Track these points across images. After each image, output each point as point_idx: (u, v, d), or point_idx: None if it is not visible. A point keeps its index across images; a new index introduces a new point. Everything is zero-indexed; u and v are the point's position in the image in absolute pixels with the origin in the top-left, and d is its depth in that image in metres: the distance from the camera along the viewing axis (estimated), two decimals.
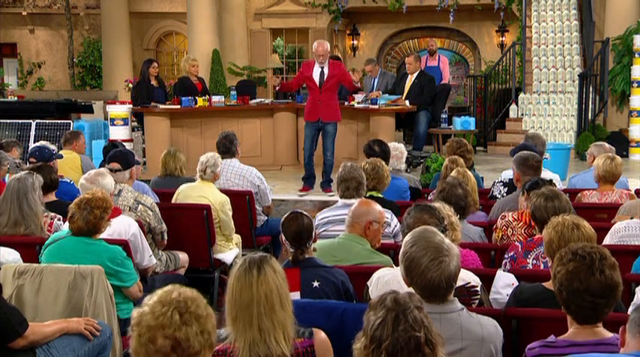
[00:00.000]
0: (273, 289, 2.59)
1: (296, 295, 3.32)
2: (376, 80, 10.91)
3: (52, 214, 4.83)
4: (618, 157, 5.66)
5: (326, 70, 8.28)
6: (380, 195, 5.24)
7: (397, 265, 3.80)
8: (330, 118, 8.41)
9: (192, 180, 6.00)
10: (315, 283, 3.42)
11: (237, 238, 6.09)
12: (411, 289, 2.68)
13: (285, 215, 3.64)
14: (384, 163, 5.44)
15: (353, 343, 2.16)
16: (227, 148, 6.50)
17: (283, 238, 3.56)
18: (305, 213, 3.64)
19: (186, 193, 5.81)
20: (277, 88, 8.73)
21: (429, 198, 5.18)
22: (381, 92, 10.29)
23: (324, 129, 8.41)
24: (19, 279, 3.81)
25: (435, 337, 2.11)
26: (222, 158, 6.36)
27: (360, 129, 9.89)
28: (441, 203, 3.95)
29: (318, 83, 8.30)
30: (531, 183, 4.62)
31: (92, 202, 3.99)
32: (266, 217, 6.63)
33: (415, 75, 10.28)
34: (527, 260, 3.87)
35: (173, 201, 5.88)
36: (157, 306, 2.09)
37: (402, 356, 2.06)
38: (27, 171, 4.89)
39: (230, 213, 5.79)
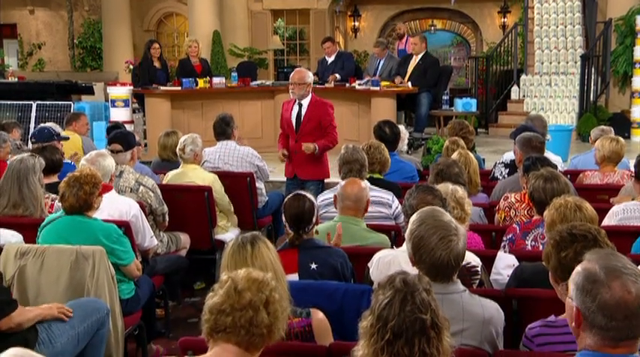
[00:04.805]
0: (267, 263, 2.62)
1: (294, 277, 3.32)
2: (382, 61, 10.73)
3: (53, 195, 4.79)
4: (621, 138, 5.69)
5: (304, 110, 6.16)
6: (381, 176, 5.23)
7: (396, 245, 3.82)
8: (308, 176, 6.14)
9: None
10: (313, 265, 3.42)
11: (235, 220, 6.08)
12: (414, 269, 2.68)
13: (289, 196, 3.64)
14: (382, 145, 5.38)
15: (359, 321, 2.16)
16: (223, 129, 6.47)
17: (284, 217, 3.56)
18: (308, 195, 3.61)
19: (174, 181, 5.78)
20: (284, 156, 6.37)
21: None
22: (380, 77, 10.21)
23: (305, 187, 5.87)
24: (21, 259, 3.82)
25: (441, 321, 2.11)
26: (218, 140, 6.38)
27: (360, 111, 9.85)
28: (444, 184, 3.94)
29: (294, 127, 6.23)
30: (526, 165, 4.60)
31: (81, 179, 4.00)
32: (267, 198, 6.61)
33: (420, 56, 10.20)
34: (526, 242, 3.87)
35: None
36: (253, 273, 2.20)
37: (407, 337, 2.06)
38: (30, 152, 4.88)
39: (222, 189, 5.78)
